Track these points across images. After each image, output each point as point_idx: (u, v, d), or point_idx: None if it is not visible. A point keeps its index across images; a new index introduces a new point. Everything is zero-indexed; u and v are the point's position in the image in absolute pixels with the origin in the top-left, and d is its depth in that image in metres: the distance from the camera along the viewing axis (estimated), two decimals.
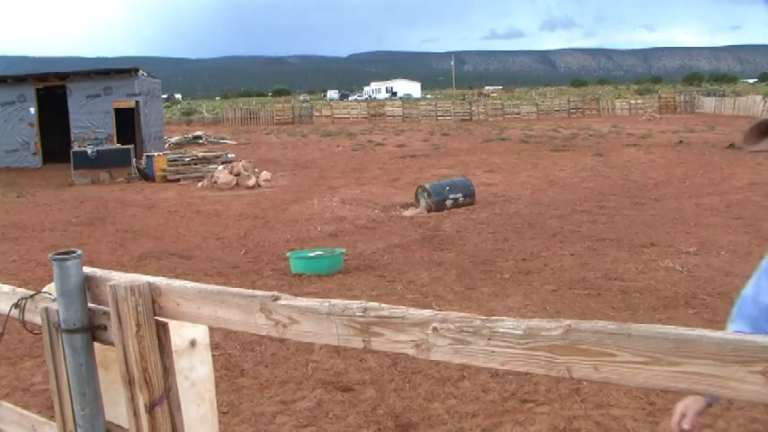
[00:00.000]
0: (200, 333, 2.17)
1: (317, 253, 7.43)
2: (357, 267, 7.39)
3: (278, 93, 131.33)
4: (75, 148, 19.86)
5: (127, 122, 22.73)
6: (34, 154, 23.10)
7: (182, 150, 22.13)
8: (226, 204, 12.68)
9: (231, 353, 4.91)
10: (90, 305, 1.80)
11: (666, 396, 3.82)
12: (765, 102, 35.51)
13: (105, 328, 1.75)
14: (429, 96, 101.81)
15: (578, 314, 5.44)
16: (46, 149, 23.35)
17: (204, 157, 18.43)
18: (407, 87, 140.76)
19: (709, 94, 50.23)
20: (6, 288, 2.09)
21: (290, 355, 4.79)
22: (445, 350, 1.15)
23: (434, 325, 1.15)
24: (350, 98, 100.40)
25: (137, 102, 22.79)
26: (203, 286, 1.56)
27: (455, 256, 7.72)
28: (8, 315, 1.98)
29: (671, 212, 9.93)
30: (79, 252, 1.74)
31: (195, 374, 2.16)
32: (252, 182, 15.27)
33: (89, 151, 18.25)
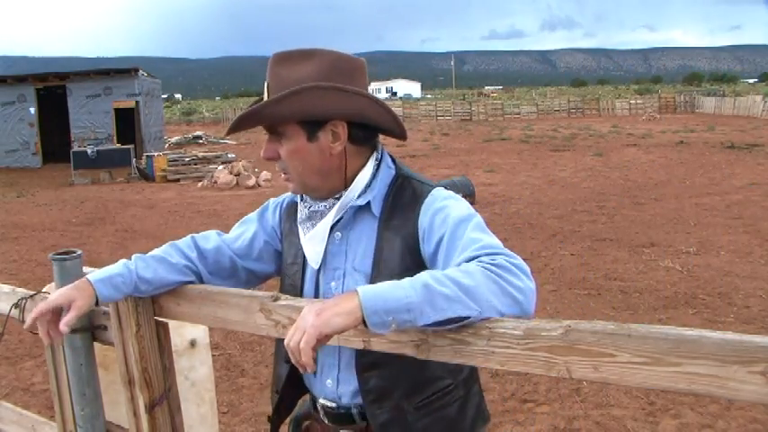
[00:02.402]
0: (200, 333, 2.16)
1: None
2: None
3: None
4: (75, 148, 19.87)
5: (127, 122, 22.74)
6: (34, 154, 23.12)
7: (182, 150, 22.13)
8: (226, 204, 12.69)
9: (231, 353, 4.91)
10: None
11: (666, 396, 3.83)
12: (765, 102, 35.53)
13: (105, 328, 1.75)
14: (429, 96, 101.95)
15: (578, 314, 5.44)
16: (46, 149, 23.36)
17: (204, 157, 18.43)
18: (407, 87, 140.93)
19: (709, 94, 50.24)
20: (6, 288, 2.09)
21: None
22: (445, 350, 1.15)
23: None
24: None
25: (137, 102, 22.80)
26: (203, 286, 1.56)
27: None
28: (8, 315, 1.98)
29: (671, 212, 9.94)
30: (79, 252, 1.74)
31: (195, 374, 2.16)
32: (252, 182, 15.27)
33: (89, 151, 18.25)
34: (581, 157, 18.60)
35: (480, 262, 1.16)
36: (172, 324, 1.71)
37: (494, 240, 1.25)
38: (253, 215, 1.64)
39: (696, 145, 20.96)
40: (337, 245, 1.44)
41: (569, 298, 5.97)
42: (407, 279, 1.13)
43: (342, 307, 1.10)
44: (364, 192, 1.41)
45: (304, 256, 1.50)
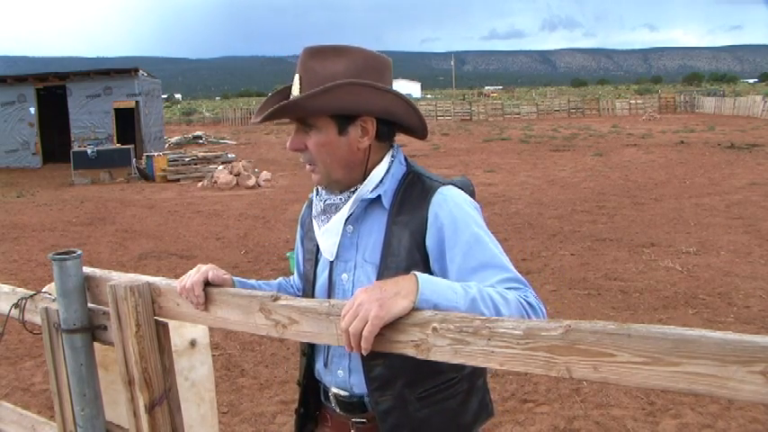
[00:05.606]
0: (200, 333, 2.16)
1: None
2: None
3: None
4: (75, 148, 19.86)
5: (127, 122, 22.73)
6: (34, 154, 23.11)
7: (182, 150, 22.12)
8: (226, 204, 12.69)
9: (231, 353, 4.91)
10: (90, 305, 1.80)
11: (666, 396, 3.83)
12: (765, 102, 35.52)
13: (105, 328, 1.75)
14: (429, 96, 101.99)
15: (578, 314, 5.44)
16: (46, 149, 23.35)
17: (204, 157, 18.42)
18: (407, 87, 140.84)
19: (709, 94, 50.24)
20: (6, 288, 2.09)
21: (290, 354, 4.79)
22: (445, 350, 1.15)
23: (434, 325, 1.15)
24: None
25: (137, 102, 22.79)
26: None
27: None
28: (8, 315, 1.98)
29: (671, 212, 9.94)
30: (79, 252, 1.74)
31: (195, 374, 2.16)
32: (252, 182, 15.27)
33: (89, 151, 18.24)
34: (581, 157, 18.60)
35: (518, 299, 1.27)
36: (172, 324, 1.71)
37: (508, 264, 1.35)
38: (297, 226, 1.72)
39: (696, 145, 20.95)
40: (349, 238, 1.49)
41: (569, 298, 5.97)
42: (460, 284, 1.23)
43: (402, 287, 1.18)
44: (377, 186, 1.46)
45: (317, 249, 1.55)
